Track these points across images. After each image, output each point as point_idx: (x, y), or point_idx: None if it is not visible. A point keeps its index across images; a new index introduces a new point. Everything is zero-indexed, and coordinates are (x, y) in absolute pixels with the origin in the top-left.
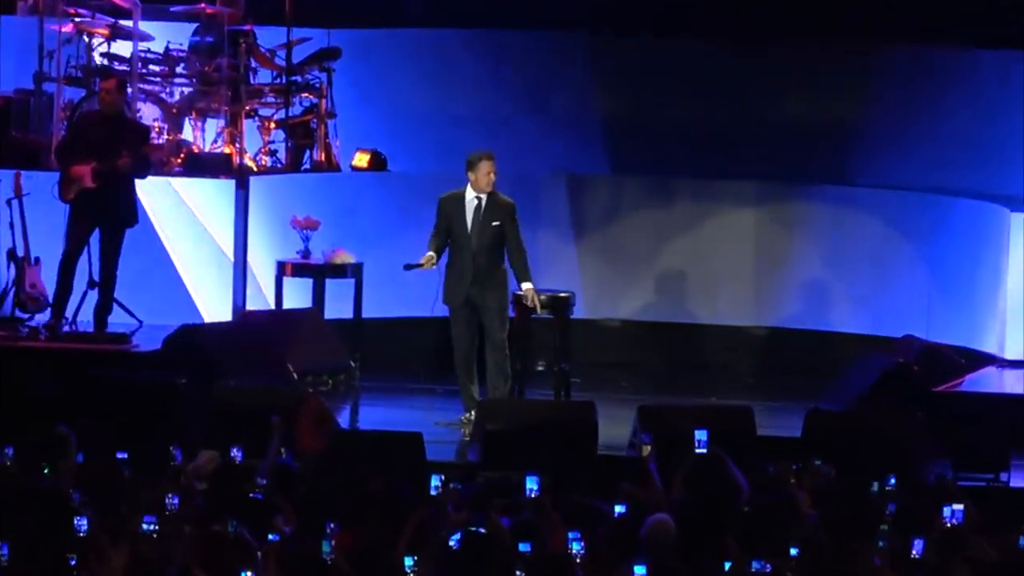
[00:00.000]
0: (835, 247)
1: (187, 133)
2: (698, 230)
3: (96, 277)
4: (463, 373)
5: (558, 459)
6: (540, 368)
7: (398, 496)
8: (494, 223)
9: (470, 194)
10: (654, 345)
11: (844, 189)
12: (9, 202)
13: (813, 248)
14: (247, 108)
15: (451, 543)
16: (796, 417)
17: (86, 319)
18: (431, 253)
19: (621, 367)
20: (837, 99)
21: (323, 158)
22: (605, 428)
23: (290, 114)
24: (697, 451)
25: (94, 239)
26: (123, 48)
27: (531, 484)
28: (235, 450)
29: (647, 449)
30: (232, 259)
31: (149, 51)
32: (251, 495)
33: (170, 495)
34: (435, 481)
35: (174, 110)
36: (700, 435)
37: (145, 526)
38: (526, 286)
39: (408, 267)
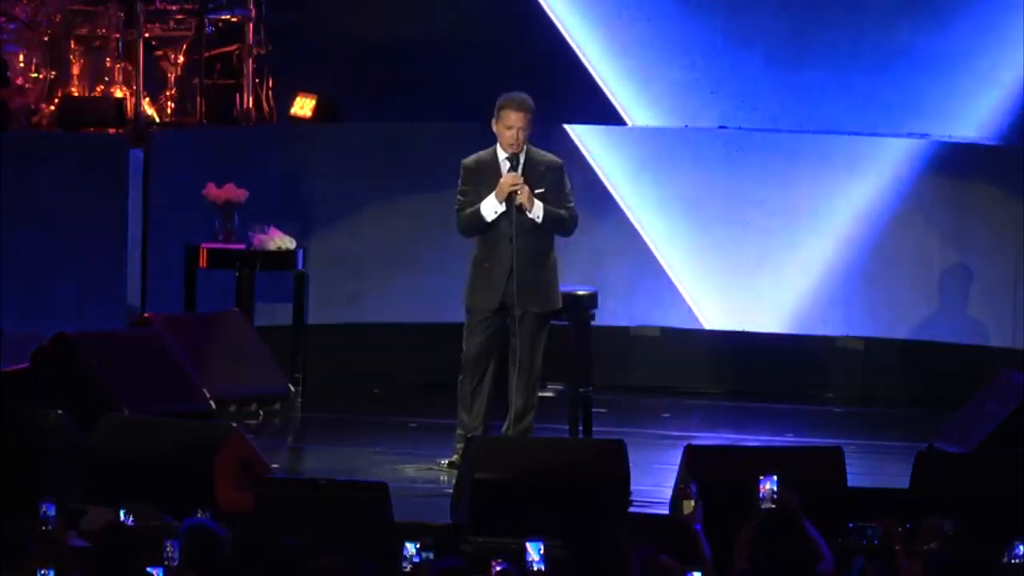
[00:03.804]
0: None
1: (64, 70)
2: (766, 194)
3: None
4: (465, 406)
5: (573, 519)
6: (550, 393)
7: (354, 572)
8: (537, 192)
9: (501, 155)
10: (707, 362)
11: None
12: None
13: (927, 220)
14: (146, 35)
15: None
16: (903, 461)
17: None
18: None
19: (661, 392)
20: None
21: (251, 105)
22: (639, 476)
23: (205, 44)
24: (764, 506)
25: None
26: None
27: (534, 553)
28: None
29: (690, 505)
30: (127, 243)
31: None
32: (150, 568)
33: (43, 569)
34: (409, 550)
35: (45, 37)
36: (768, 483)
37: None
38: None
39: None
